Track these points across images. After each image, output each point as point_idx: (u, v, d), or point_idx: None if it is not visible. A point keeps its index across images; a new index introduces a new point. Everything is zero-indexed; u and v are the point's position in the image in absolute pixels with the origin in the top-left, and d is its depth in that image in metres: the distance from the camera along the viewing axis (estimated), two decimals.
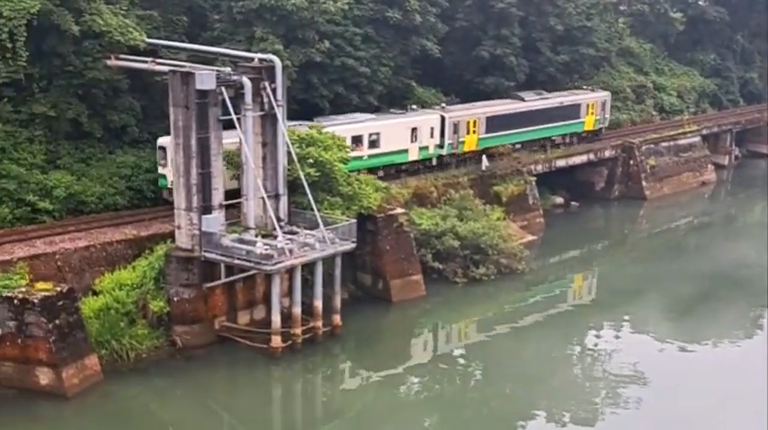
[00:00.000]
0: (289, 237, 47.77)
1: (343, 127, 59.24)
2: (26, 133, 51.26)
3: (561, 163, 77.02)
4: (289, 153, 49.90)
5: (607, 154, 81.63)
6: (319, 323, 47.90)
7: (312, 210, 48.88)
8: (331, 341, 48.46)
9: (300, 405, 44.96)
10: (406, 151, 64.42)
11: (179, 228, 47.19)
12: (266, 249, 45.59)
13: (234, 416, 41.57)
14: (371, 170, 60.87)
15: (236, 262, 45.87)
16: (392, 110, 66.51)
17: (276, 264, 45.35)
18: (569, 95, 79.25)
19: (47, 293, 41.13)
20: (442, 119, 66.73)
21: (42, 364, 40.62)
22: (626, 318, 54.72)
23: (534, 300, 57.90)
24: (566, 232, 72.49)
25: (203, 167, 46.66)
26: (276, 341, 45.73)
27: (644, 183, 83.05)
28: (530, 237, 66.87)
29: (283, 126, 49.39)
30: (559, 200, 79.70)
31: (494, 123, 70.64)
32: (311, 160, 51.99)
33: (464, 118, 68.63)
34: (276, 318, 45.79)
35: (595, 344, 51.16)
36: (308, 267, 48.16)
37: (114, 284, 45.69)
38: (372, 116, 63.63)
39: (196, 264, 46.21)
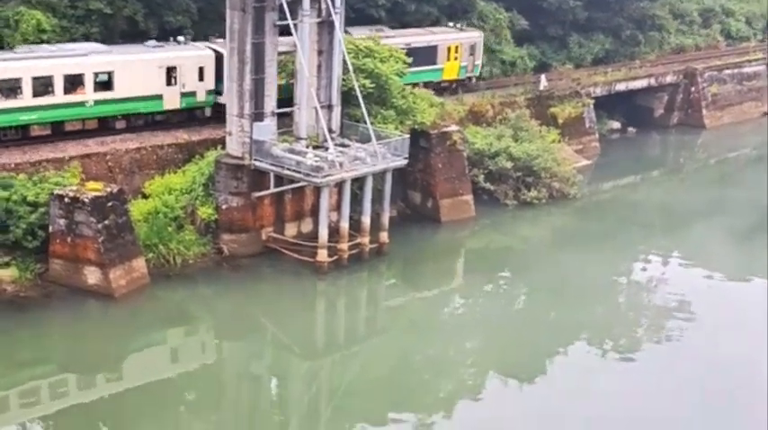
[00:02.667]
0: (340, 149, 47.19)
1: (51, 61, 46.04)
2: (82, 29, 50.79)
3: (621, 86, 75.06)
4: (344, 63, 48.98)
5: (668, 79, 79.47)
6: (366, 239, 47.57)
7: (365, 123, 48.18)
8: (377, 258, 48.18)
9: (344, 320, 45.01)
10: (158, 97, 49.60)
11: (230, 134, 46.85)
12: (316, 161, 45.11)
13: (277, 327, 41.77)
14: (103, 120, 48.27)
15: (286, 172, 45.48)
16: (149, 42, 51.34)
17: (326, 176, 44.88)
18: (424, 35, 63.32)
19: (97, 193, 41.18)
20: (219, 57, 50.46)
21: (91, 264, 40.89)
22: (676, 248, 53.84)
23: (584, 226, 57.10)
24: (621, 158, 71.11)
25: (257, 73, 45.99)
26: (322, 255, 45.57)
27: (704, 112, 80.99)
28: (584, 162, 65.79)
29: (340, 34, 48.33)
30: (616, 125, 78.13)
31: None
32: (367, 71, 51.11)
33: None
34: (323, 232, 45.54)
35: (643, 273, 50.56)
36: (358, 182, 47.68)
37: (164, 188, 45.72)
38: (105, 48, 48.93)
39: (245, 173, 45.93)
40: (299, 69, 47.49)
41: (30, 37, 48.95)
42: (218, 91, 50.69)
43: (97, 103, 47.29)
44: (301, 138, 47.66)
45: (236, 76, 46.03)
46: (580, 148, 67.65)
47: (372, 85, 50.91)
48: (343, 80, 49.61)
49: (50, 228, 41.20)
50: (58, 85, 45.76)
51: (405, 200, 55.14)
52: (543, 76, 67.96)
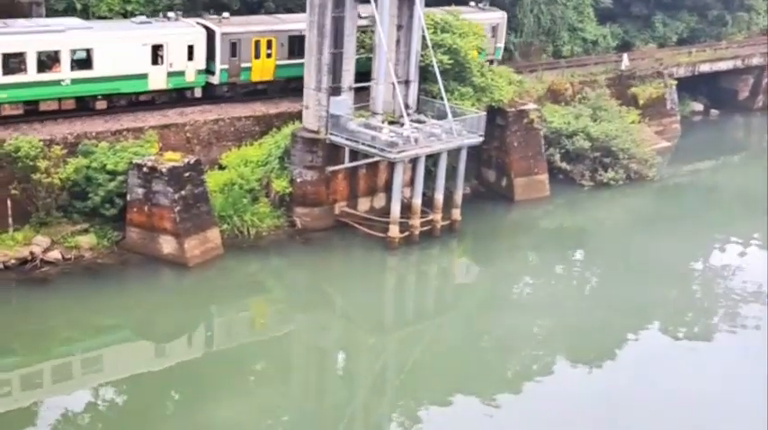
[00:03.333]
0: (415, 125, 47.08)
1: (23, 37, 43.12)
2: (165, 1, 51.35)
3: (705, 68, 73.31)
4: (423, 38, 48.73)
5: (755, 61, 77.18)
6: (438, 216, 47.48)
7: (442, 99, 47.96)
8: (449, 235, 48.09)
9: (413, 296, 45.18)
10: (142, 77, 46.96)
11: (307, 108, 47.06)
12: (392, 136, 45.09)
13: (346, 301, 42.07)
14: (81, 100, 45.56)
15: (361, 147, 45.51)
16: (136, 18, 49.04)
17: (400, 152, 44.84)
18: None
19: (175, 163, 41.74)
20: (210, 34, 48.88)
21: (166, 233, 41.54)
22: (756, 234, 52.60)
23: (662, 208, 56.18)
24: (702, 141, 69.61)
25: (336, 47, 46.06)
26: (394, 231, 45.63)
27: None
28: (664, 144, 64.63)
29: (420, 9, 48.04)
30: (699, 107, 76.47)
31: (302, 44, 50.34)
32: (445, 47, 50.82)
33: (250, 36, 50.03)
34: (396, 208, 45.57)
35: (721, 258, 49.54)
36: (432, 158, 47.58)
37: (240, 160, 46.17)
38: (85, 24, 46.47)
39: (321, 146, 46.14)
40: (377, 44, 47.38)
41: (115, 7, 49.87)
42: (209, 70, 48.75)
43: (74, 81, 44.53)
44: (377, 114, 47.62)
45: (315, 50, 46.13)
46: (660, 130, 66.46)
47: (450, 61, 50.65)
48: (422, 55, 49.42)
49: (128, 197, 41.94)
50: (31, 62, 43.02)
51: (479, 177, 54.89)
52: (625, 56, 66.78)
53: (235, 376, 34.49)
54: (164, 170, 41.25)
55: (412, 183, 47.20)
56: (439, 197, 47.49)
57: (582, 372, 36.99)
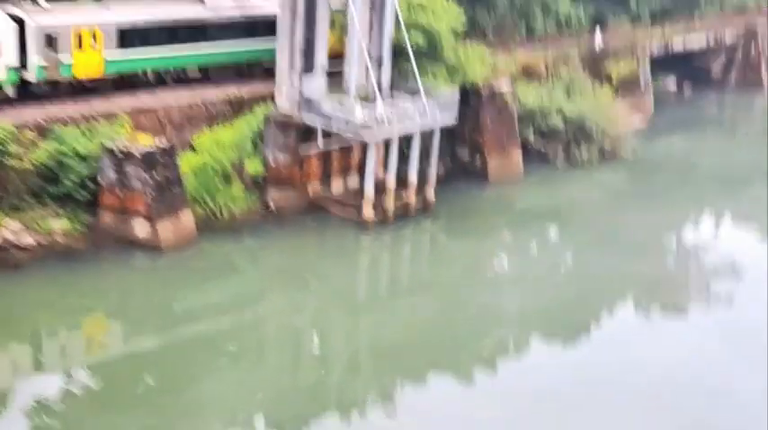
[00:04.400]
0: (388, 106, 47.08)
1: None
2: None
3: (678, 45, 73.53)
4: (396, 18, 48.66)
5: (728, 39, 77.59)
6: (412, 196, 47.65)
7: (415, 79, 47.94)
8: (423, 215, 48.34)
9: (387, 275, 45.42)
10: None
11: (279, 89, 46.96)
12: (365, 117, 45.10)
13: (320, 281, 42.14)
14: None
15: (334, 128, 45.55)
16: None
17: (374, 133, 44.86)
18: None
19: (147, 147, 41.61)
20: (21, 24, 43.07)
21: (139, 216, 41.46)
22: (729, 209, 53.15)
23: (635, 186, 56.62)
24: (676, 118, 70.13)
25: (308, 28, 45.91)
26: (368, 211, 45.75)
27: (764, 72, 79.21)
28: (638, 122, 64.77)
29: None
30: (672, 84, 76.68)
31: (136, 36, 46.19)
32: (419, 27, 50.75)
33: (70, 26, 44.07)
34: (369, 188, 45.69)
35: (694, 234, 50.21)
36: (406, 139, 47.65)
37: (213, 143, 45.98)
38: None
39: (294, 128, 46.09)
40: (350, 24, 47.35)
41: None
42: (23, 65, 43.17)
43: None
44: (351, 94, 47.62)
45: (288, 31, 46.04)
46: (634, 107, 66.65)
47: (424, 41, 50.55)
48: (395, 36, 49.37)
49: (101, 181, 41.82)
50: None
51: (452, 157, 54.85)
52: (598, 33, 66.81)
53: (208, 357, 34.51)
54: (136, 153, 41.06)
55: (385, 163, 47.27)
56: (413, 177, 47.64)
57: (556, 348, 37.31)
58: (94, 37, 44.91)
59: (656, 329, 39.36)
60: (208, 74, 49.68)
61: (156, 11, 47.40)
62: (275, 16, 47.95)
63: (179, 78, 48.76)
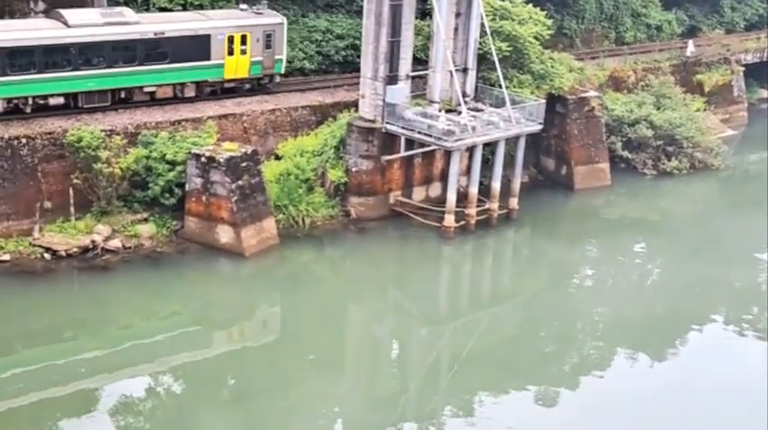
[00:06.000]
0: (473, 113, 46.78)
1: None
2: None
3: None
4: (482, 25, 48.36)
5: None
6: (495, 205, 47.15)
7: (500, 86, 47.57)
8: (505, 224, 47.79)
9: (468, 286, 44.94)
10: None
11: (363, 97, 47.02)
12: (448, 125, 44.88)
13: (400, 291, 42.03)
14: None
15: (417, 136, 45.38)
16: None
17: (457, 140, 44.61)
18: (186, 20, 47.20)
19: (232, 153, 42.02)
20: None
21: (223, 223, 41.87)
22: None
23: (727, 198, 55.20)
24: None
25: (393, 36, 45.91)
26: (449, 220, 45.42)
27: None
28: (730, 132, 63.42)
29: None
30: (766, 94, 74.46)
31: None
32: (504, 34, 50.40)
33: None
34: (452, 197, 45.36)
35: None
36: (490, 147, 47.32)
37: (296, 150, 46.33)
38: None
39: (376, 136, 46.06)
40: (435, 31, 47.23)
41: None
42: None
43: None
44: (434, 102, 47.50)
45: (372, 38, 46.05)
46: (726, 118, 65.29)
47: (509, 49, 50.23)
48: (480, 43, 49.09)
49: (187, 187, 42.38)
50: None
51: (537, 166, 54.43)
52: (691, 42, 65.50)
53: (287, 364, 34.69)
54: (221, 160, 41.50)
55: (468, 171, 46.95)
56: (496, 186, 47.18)
57: (642, 365, 36.42)
58: None
59: (749, 344, 38.17)
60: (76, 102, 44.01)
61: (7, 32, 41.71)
62: (165, 35, 44.98)
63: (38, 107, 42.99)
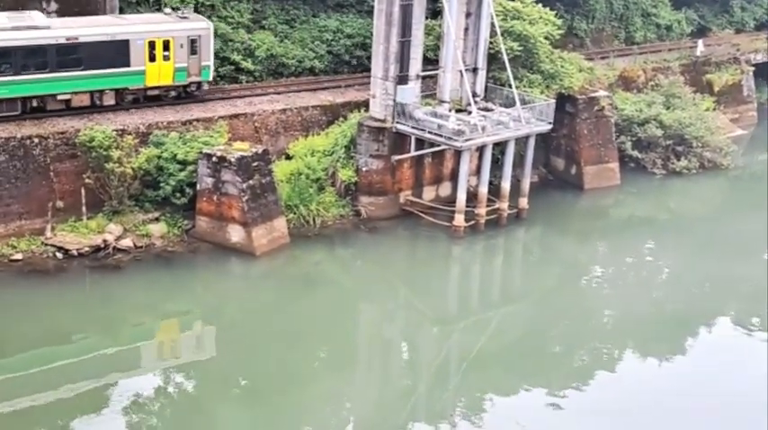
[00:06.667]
0: (483, 113, 46.87)
1: None
2: None
3: None
4: (492, 25, 48.43)
5: None
6: (505, 205, 47.26)
7: (510, 86, 47.66)
8: (515, 224, 47.91)
9: (477, 285, 45.03)
10: None
11: (373, 97, 47.15)
12: (458, 125, 44.98)
13: (411, 290, 42.10)
14: None
15: (427, 135, 45.51)
16: None
17: (467, 140, 44.71)
18: (105, 25, 44.87)
19: (243, 153, 42.14)
20: None
21: (234, 222, 42.02)
22: None
23: (737, 198, 55.18)
24: None
25: (404, 35, 46.00)
26: (459, 219, 45.53)
27: None
28: (739, 132, 63.31)
29: None
30: None
31: None
32: (514, 34, 50.47)
33: None
34: (462, 197, 45.48)
35: None
36: (500, 146, 47.42)
37: (307, 150, 46.47)
38: None
39: (387, 135, 46.18)
40: (446, 31, 47.32)
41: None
42: None
43: None
44: (444, 102, 47.61)
45: (383, 38, 46.15)
46: (736, 118, 65.18)
47: (519, 48, 50.32)
48: (490, 43, 49.17)
49: (198, 186, 42.53)
50: None
51: (547, 165, 54.56)
52: (701, 41, 65.46)
53: (300, 364, 34.83)
54: (232, 160, 41.62)
55: (478, 171, 47.09)
56: (506, 185, 47.28)
57: (652, 364, 36.56)
58: None
59: (759, 343, 38.12)
60: None
61: None
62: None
63: None
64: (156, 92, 45.89)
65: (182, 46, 45.49)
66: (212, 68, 47.32)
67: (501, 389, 33.91)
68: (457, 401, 33.46)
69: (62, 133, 41.43)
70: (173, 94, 46.50)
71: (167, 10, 47.62)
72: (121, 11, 47.96)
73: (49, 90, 42.74)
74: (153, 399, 32.04)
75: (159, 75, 45.39)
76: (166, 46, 45.15)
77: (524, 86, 50.00)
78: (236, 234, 42.10)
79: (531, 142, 47.85)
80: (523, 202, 48.23)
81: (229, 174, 41.73)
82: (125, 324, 37.14)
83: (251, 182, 42.03)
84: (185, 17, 46.84)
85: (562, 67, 52.96)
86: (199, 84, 47.03)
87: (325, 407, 32.54)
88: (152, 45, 44.78)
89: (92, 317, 37.17)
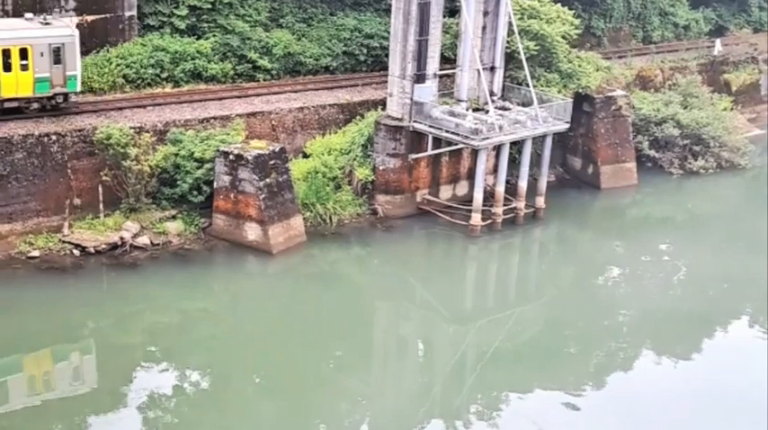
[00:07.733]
0: (500, 112, 46.78)
1: None
2: None
3: None
4: (510, 24, 48.33)
5: None
6: (522, 204, 47.21)
7: (527, 85, 47.56)
8: (532, 223, 47.88)
9: (494, 284, 45.06)
10: None
11: (391, 95, 47.14)
12: (476, 123, 44.90)
13: (427, 289, 42.05)
14: None
15: (444, 134, 45.49)
16: None
17: (484, 139, 44.64)
18: None
19: (260, 151, 42.15)
20: None
21: (251, 220, 42.08)
22: None
23: (755, 197, 54.69)
24: None
25: (421, 34, 45.95)
26: (476, 218, 45.49)
27: None
28: (757, 131, 63.10)
29: None
30: None
31: None
32: (532, 33, 50.36)
33: None
34: (479, 196, 45.41)
35: None
36: (517, 145, 47.34)
37: (324, 148, 46.52)
38: None
39: (404, 134, 46.17)
40: (463, 30, 47.26)
41: None
42: None
43: None
44: (462, 101, 47.57)
45: (400, 37, 46.11)
46: (753, 117, 65.05)
47: (537, 48, 50.18)
48: (508, 42, 49.07)
49: (215, 184, 42.59)
50: None
51: (564, 165, 54.47)
52: (718, 41, 65.16)
53: (317, 362, 34.83)
54: (249, 158, 41.64)
55: (495, 170, 47.05)
56: (523, 184, 47.20)
57: (668, 364, 36.44)
58: None
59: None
60: None
61: None
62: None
63: None
64: (14, 104, 41.68)
65: (42, 54, 41.50)
66: (80, 78, 43.06)
67: (517, 388, 33.84)
68: (473, 400, 33.43)
69: (80, 130, 41.57)
70: (35, 106, 42.27)
71: (28, 15, 43.50)
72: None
73: None
74: (168, 396, 32.13)
75: (17, 85, 41.32)
76: (24, 54, 41.14)
77: (542, 85, 49.90)
78: (252, 232, 42.14)
79: (549, 141, 47.74)
80: (540, 202, 48.12)
81: (246, 172, 41.77)
82: (142, 321, 37.28)
83: (268, 180, 42.08)
84: (48, 23, 42.69)
85: (579, 66, 52.82)
86: (65, 95, 42.79)
87: (340, 404, 32.56)
88: (6, 53, 40.74)
89: (109, 313, 37.34)
